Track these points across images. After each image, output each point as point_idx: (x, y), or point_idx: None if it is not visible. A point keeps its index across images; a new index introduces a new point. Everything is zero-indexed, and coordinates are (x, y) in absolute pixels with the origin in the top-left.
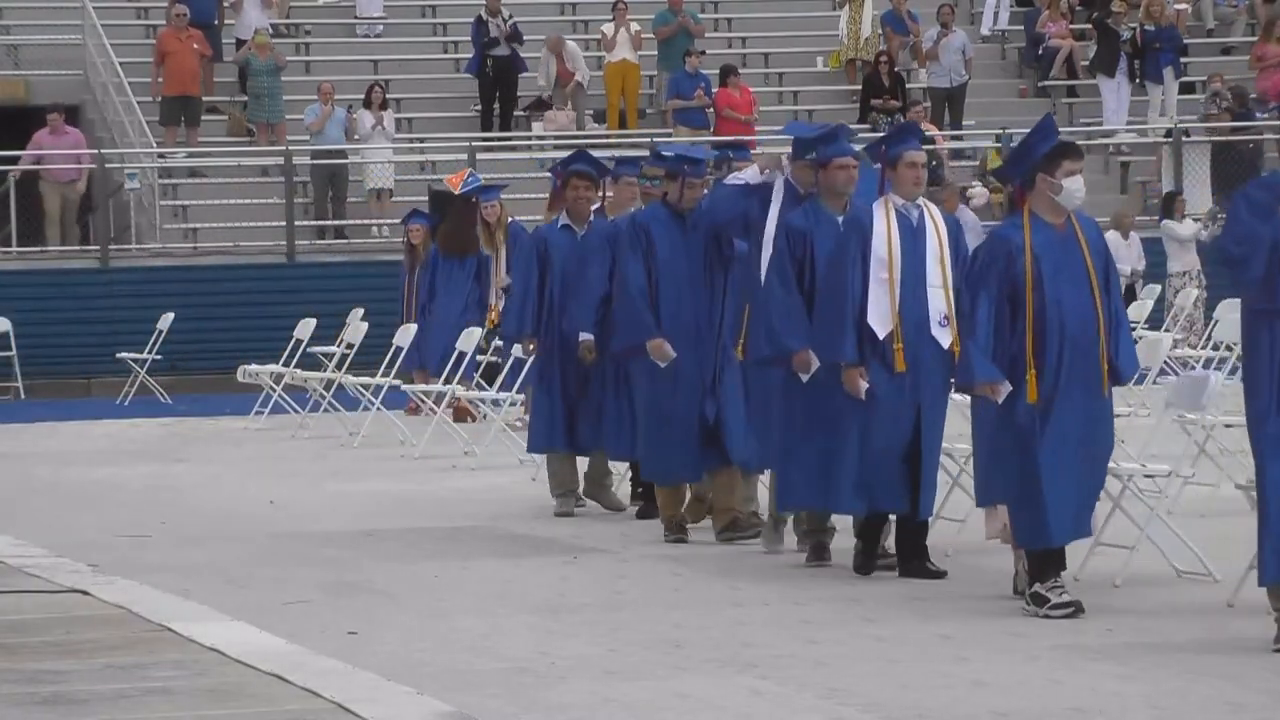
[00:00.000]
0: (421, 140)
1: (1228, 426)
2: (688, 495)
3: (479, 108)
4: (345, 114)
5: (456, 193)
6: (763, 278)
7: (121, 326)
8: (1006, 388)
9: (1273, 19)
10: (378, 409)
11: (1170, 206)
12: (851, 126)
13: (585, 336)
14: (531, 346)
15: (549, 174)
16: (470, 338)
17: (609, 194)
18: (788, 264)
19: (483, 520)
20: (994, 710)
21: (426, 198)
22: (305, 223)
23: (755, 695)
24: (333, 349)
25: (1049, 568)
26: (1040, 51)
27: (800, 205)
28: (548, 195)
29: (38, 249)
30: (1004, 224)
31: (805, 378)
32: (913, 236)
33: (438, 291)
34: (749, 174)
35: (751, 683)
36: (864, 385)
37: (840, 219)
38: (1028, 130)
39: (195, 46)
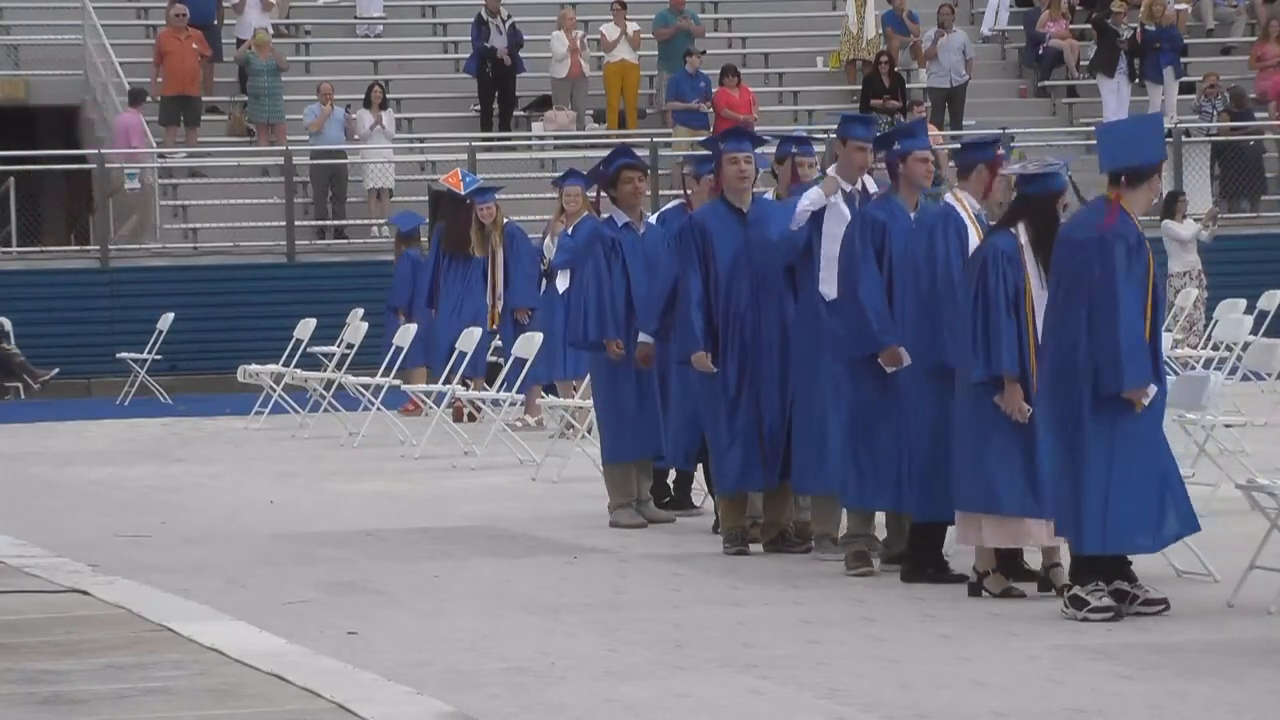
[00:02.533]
0: (421, 140)
1: (1228, 426)
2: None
3: (479, 108)
4: (344, 114)
5: (462, 194)
6: (822, 277)
7: (121, 326)
8: (1154, 390)
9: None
10: (378, 409)
11: (1171, 206)
12: None
13: (645, 339)
14: (619, 349)
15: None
16: (470, 338)
17: (689, 192)
18: (872, 257)
19: (483, 520)
20: (994, 710)
21: (426, 198)
22: (305, 223)
23: (755, 695)
24: (333, 349)
25: (1089, 571)
26: (1040, 51)
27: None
28: (559, 197)
29: (38, 249)
30: (1121, 222)
31: (890, 370)
32: None
33: (441, 291)
34: (813, 198)
35: (751, 683)
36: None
37: (913, 215)
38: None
39: (195, 46)
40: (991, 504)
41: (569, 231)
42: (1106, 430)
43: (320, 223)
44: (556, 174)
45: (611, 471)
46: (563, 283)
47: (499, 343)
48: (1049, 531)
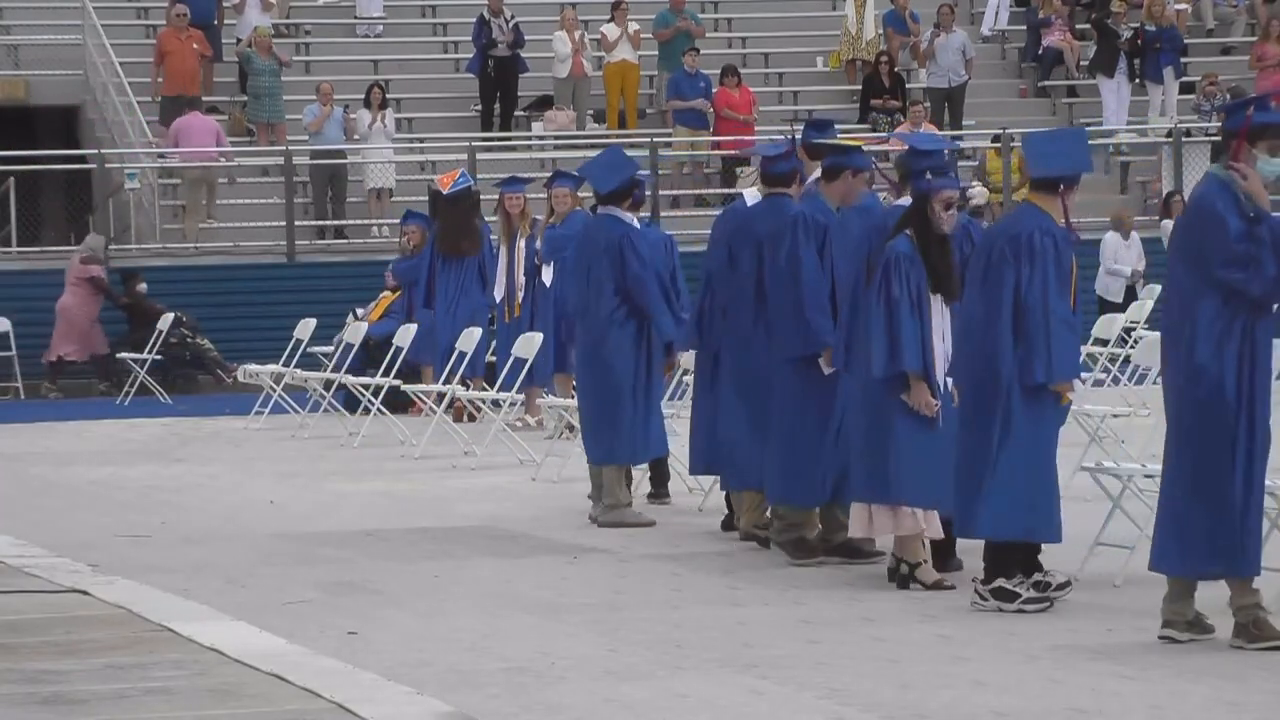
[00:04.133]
0: (421, 140)
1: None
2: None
3: (479, 108)
4: (344, 114)
5: (445, 193)
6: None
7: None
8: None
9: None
10: (378, 409)
11: (1170, 206)
12: (852, 126)
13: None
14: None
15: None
16: (470, 338)
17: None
18: (818, 256)
19: (483, 520)
20: (994, 710)
21: (426, 198)
22: (305, 223)
23: (755, 695)
24: (332, 349)
25: (1010, 565)
26: (1040, 51)
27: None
28: (548, 198)
29: (38, 249)
30: (1047, 220)
31: (828, 371)
32: None
33: (436, 292)
34: None
35: (751, 683)
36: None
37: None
38: (1028, 130)
39: (195, 46)
40: (886, 494)
41: (556, 225)
42: (1026, 422)
43: (320, 223)
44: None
45: (617, 472)
46: (548, 276)
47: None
48: (938, 523)
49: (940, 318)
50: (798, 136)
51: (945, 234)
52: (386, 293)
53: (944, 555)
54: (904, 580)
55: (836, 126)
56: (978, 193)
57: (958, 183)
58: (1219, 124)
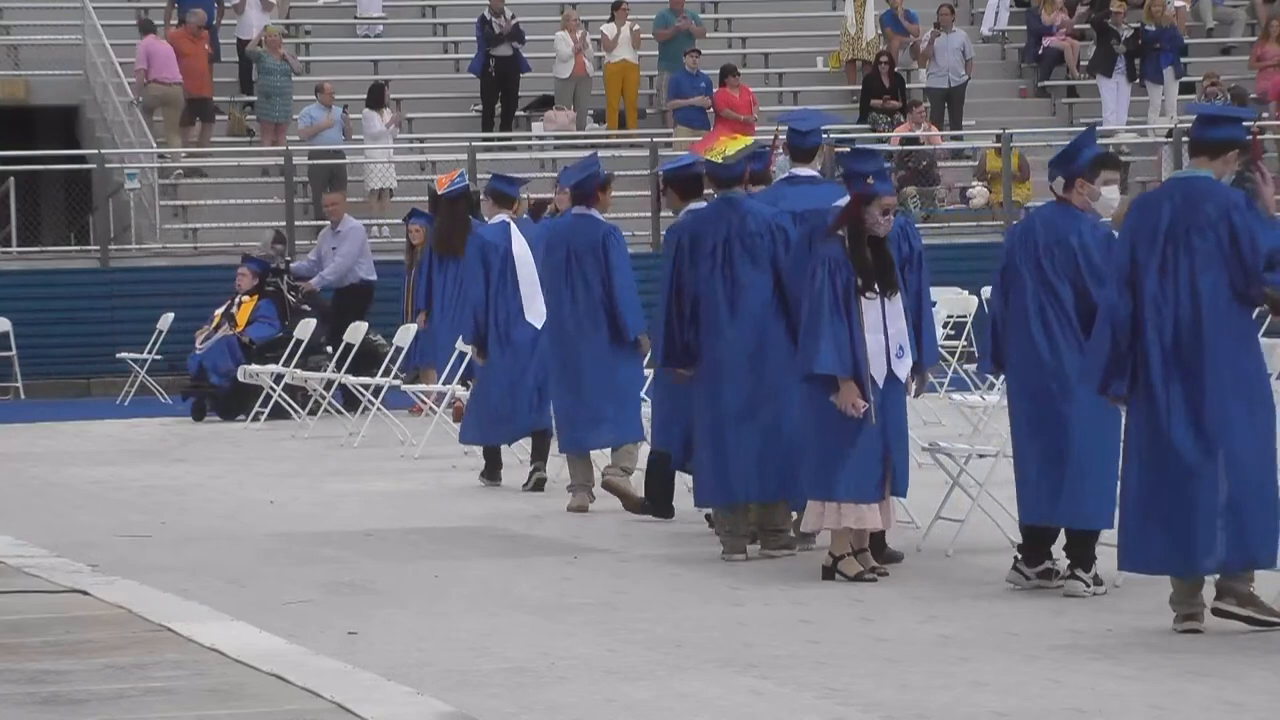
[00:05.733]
0: (421, 140)
1: None
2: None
3: (479, 108)
4: (342, 114)
5: (440, 193)
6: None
7: (121, 326)
8: None
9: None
10: (378, 409)
11: None
12: (851, 126)
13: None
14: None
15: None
16: None
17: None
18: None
19: (483, 520)
20: (994, 710)
21: (426, 198)
22: (305, 223)
23: (755, 695)
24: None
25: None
26: (1040, 51)
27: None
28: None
29: (38, 249)
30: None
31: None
32: None
33: (434, 292)
34: None
35: (751, 683)
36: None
37: None
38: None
39: (206, 48)
40: (829, 491)
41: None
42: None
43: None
44: (556, 174)
45: (634, 447)
46: None
47: None
48: (878, 516)
49: (875, 313)
50: (783, 137)
51: (879, 236)
52: (245, 297)
53: (877, 548)
54: (828, 571)
55: (825, 131)
56: (978, 193)
57: (894, 189)
58: (1227, 130)
